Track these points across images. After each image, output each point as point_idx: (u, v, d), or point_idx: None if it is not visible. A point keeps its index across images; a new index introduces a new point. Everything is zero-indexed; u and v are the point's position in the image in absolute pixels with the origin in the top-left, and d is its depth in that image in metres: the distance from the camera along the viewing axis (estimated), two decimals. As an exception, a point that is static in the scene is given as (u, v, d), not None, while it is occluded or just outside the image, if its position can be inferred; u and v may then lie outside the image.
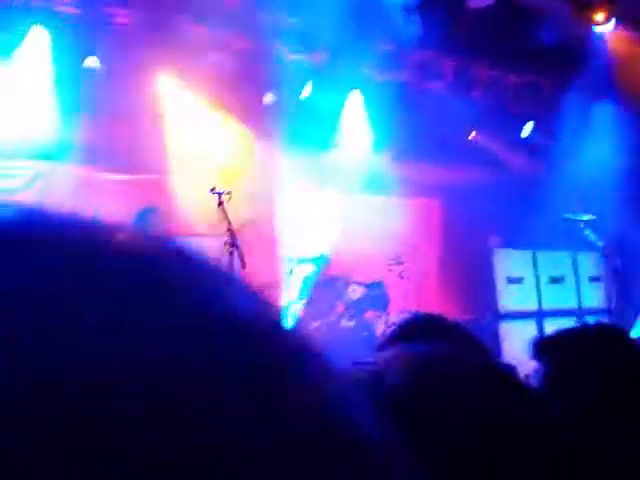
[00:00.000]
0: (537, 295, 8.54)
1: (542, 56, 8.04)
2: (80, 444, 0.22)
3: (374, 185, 7.84)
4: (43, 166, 6.08)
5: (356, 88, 7.72)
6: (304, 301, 6.79)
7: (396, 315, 6.70)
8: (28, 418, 0.22)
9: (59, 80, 6.08)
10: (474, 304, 8.21)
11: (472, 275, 8.26)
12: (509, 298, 8.35)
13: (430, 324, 1.42)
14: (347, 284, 6.92)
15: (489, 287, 8.41)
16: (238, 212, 5.29)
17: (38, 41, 5.98)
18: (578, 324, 6.33)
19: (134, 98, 6.32)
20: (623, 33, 8.14)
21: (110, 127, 5.91)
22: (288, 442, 0.25)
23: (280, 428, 0.25)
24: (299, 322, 6.69)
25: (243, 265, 5.07)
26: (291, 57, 7.14)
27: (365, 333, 6.48)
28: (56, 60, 6.06)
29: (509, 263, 8.63)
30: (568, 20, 7.95)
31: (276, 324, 0.30)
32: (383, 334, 1.50)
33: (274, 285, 6.83)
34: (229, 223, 4.97)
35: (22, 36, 5.95)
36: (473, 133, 8.45)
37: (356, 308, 6.83)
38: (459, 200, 8.06)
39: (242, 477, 0.23)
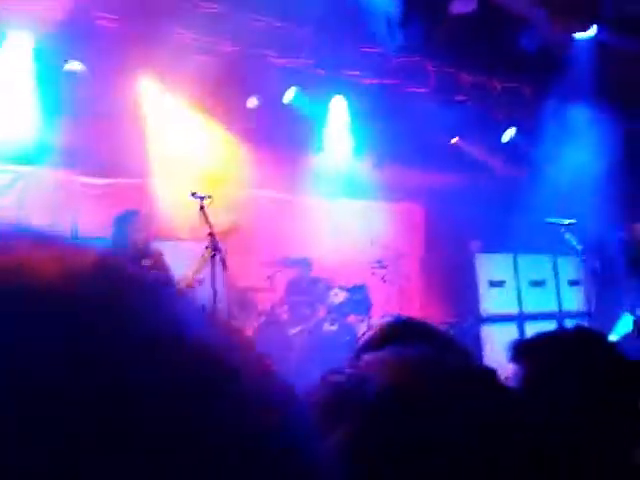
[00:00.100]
0: (518, 298, 8.60)
1: (523, 62, 8.11)
2: None
3: (357, 189, 7.86)
4: (23, 169, 6.03)
5: (339, 93, 7.74)
6: (286, 305, 6.77)
7: (378, 319, 6.71)
8: None
9: (41, 83, 6.03)
10: (456, 307, 8.25)
11: (454, 279, 8.31)
12: (490, 301, 8.40)
13: (410, 328, 1.42)
14: (329, 288, 6.91)
15: (471, 290, 8.46)
16: (220, 216, 5.27)
17: (20, 44, 5.93)
18: (557, 327, 6.39)
19: (116, 101, 6.28)
20: (603, 39, 8.23)
21: (91, 130, 5.87)
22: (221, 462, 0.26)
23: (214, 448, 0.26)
24: (281, 326, 6.68)
25: (225, 269, 5.05)
26: (274, 61, 7.15)
27: (347, 337, 6.47)
28: (38, 63, 6.01)
29: (491, 267, 8.68)
30: (549, 27, 8.02)
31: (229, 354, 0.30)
32: (361, 337, 1.49)
33: (256, 289, 6.82)
34: (210, 227, 4.96)
35: (3, 39, 5.90)
36: (455, 138, 8.50)
37: (338, 312, 6.82)
38: (441, 204, 8.10)
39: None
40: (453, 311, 8.19)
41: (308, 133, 7.61)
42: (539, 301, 8.62)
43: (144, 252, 4.87)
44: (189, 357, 0.28)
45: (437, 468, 0.57)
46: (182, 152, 6.52)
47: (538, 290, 8.74)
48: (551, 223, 6.68)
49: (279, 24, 6.93)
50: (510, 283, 8.64)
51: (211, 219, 5.00)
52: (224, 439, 0.27)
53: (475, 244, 8.58)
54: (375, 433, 0.59)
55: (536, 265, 8.76)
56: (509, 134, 8.78)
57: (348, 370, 0.68)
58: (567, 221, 6.59)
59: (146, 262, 4.84)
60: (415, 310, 7.60)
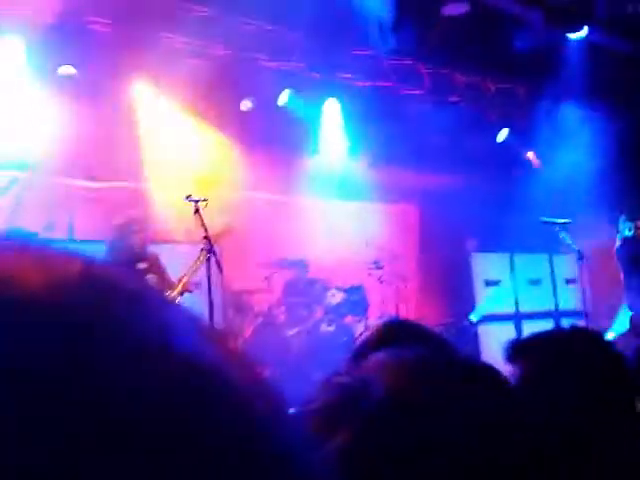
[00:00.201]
0: (515, 298, 8.62)
1: (517, 63, 8.13)
2: None
3: (352, 191, 7.87)
4: (18, 174, 6.02)
5: (333, 95, 7.75)
6: (283, 307, 6.77)
7: (375, 320, 6.72)
8: None
9: (34, 87, 6.02)
10: (453, 307, 8.27)
11: (450, 278, 8.32)
12: (487, 301, 8.42)
13: (405, 330, 1.43)
14: (326, 289, 6.92)
15: (467, 290, 8.48)
16: (215, 219, 5.27)
17: (13, 48, 5.92)
18: (554, 326, 6.40)
19: (110, 105, 6.28)
20: (595, 39, 8.26)
21: (86, 134, 5.86)
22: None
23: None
24: (278, 327, 6.68)
25: (221, 271, 5.05)
26: (268, 64, 7.15)
27: (345, 338, 6.48)
28: (31, 67, 6.00)
29: (487, 266, 8.70)
30: (542, 27, 8.05)
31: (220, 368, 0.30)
32: (357, 340, 1.50)
33: (253, 291, 6.82)
34: (206, 230, 4.95)
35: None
36: (451, 138, 8.52)
37: (336, 313, 6.82)
38: (436, 205, 8.11)
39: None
40: (450, 311, 8.21)
41: (302, 135, 7.62)
42: (536, 300, 8.64)
43: (140, 255, 4.87)
44: (177, 367, 0.28)
45: (437, 468, 0.57)
46: (176, 155, 6.52)
47: (534, 289, 8.77)
48: (546, 222, 6.70)
49: (271, 27, 6.94)
50: (506, 282, 8.67)
51: (206, 222, 5.00)
52: (219, 441, 0.27)
53: (471, 244, 8.60)
54: (377, 435, 0.59)
55: (532, 264, 8.79)
56: (503, 134, 8.81)
57: (350, 373, 0.68)
58: (562, 220, 6.61)
59: (142, 265, 4.84)
60: (412, 310, 7.61)
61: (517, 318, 8.48)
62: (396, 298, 7.36)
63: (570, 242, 6.52)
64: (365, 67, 7.63)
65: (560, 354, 1.34)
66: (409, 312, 7.41)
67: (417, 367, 0.66)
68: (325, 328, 6.69)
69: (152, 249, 4.97)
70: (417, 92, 8.12)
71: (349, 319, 6.92)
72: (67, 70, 6.15)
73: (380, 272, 7.16)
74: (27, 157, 5.93)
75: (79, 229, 5.99)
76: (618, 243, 6.38)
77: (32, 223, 5.44)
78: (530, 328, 7.61)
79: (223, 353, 0.31)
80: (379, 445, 0.58)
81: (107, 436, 0.25)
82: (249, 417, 0.28)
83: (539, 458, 0.60)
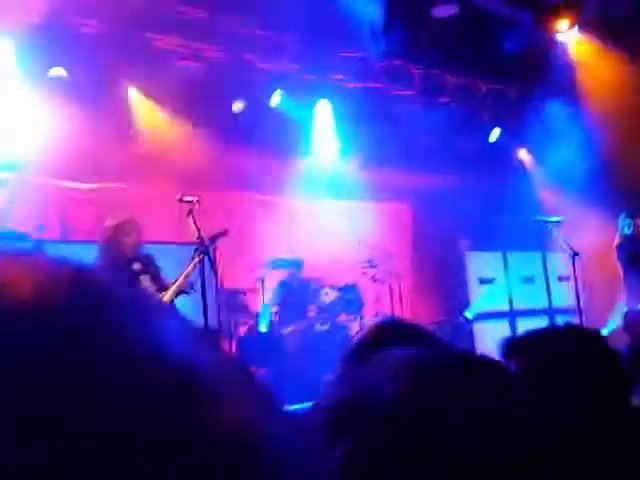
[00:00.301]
0: (509, 295, 8.64)
1: (507, 63, 8.17)
2: None
3: (344, 190, 7.89)
4: (8, 175, 5.99)
5: (325, 96, 7.76)
6: (278, 306, 6.78)
7: (370, 318, 6.73)
8: None
9: (24, 89, 6.00)
10: (447, 305, 8.29)
11: (444, 277, 8.34)
12: (481, 299, 8.45)
13: (399, 329, 1.43)
14: (320, 288, 6.93)
15: (461, 288, 8.50)
16: (209, 220, 5.27)
17: (3, 50, 5.89)
18: (548, 324, 6.42)
19: (101, 107, 6.26)
20: (586, 39, 8.30)
21: (77, 136, 5.84)
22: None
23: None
24: (273, 326, 6.68)
25: (214, 272, 5.05)
26: (259, 66, 7.15)
27: (339, 337, 6.48)
28: (21, 69, 5.98)
29: (480, 264, 8.73)
30: (532, 28, 8.08)
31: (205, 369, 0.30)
32: (351, 340, 1.50)
33: (247, 291, 6.81)
34: (199, 231, 4.95)
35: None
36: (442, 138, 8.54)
37: (330, 312, 6.83)
38: (430, 204, 8.14)
39: None
40: (444, 309, 8.23)
41: (294, 136, 7.63)
42: (529, 297, 8.68)
43: (134, 256, 4.86)
44: (168, 371, 0.28)
45: (438, 468, 0.57)
46: (169, 156, 6.50)
47: (528, 287, 8.80)
48: (539, 221, 6.72)
49: (264, 29, 6.94)
50: (500, 280, 8.70)
51: (199, 223, 5.00)
52: (214, 442, 0.28)
53: (464, 242, 8.62)
54: (386, 436, 0.59)
55: (526, 262, 8.82)
56: (495, 134, 8.84)
57: (347, 375, 0.68)
58: (555, 218, 6.64)
59: (136, 266, 4.83)
60: (406, 309, 7.62)
61: (511, 315, 8.51)
62: (390, 296, 7.37)
63: (563, 240, 6.54)
64: (356, 68, 7.65)
65: (554, 352, 1.34)
66: (403, 310, 7.42)
67: (424, 367, 0.66)
68: (319, 327, 6.70)
69: (146, 250, 4.96)
70: (408, 93, 8.15)
71: (343, 318, 6.93)
72: (57, 72, 6.13)
73: (374, 271, 7.18)
74: (17, 159, 5.91)
75: (71, 230, 5.97)
76: (618, 241, 6.41)
77: (23, 224, 5.42)
78: (524, 325, 7.64)
79: (214, 357, 0.31)
80: (388, 445, 0.58)
81: (105, 437, 0.25)
82: (241, 418, 0.29)
83: (539, 458, 0.60)
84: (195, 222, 4.98)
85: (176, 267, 4.95)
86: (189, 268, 4.88)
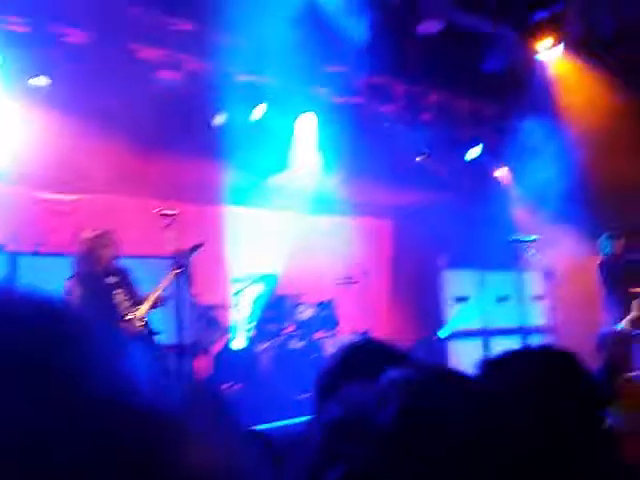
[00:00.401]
0: (483, 314, 8.69)
1: (489, 81, 8.25)
2: None
3: (325, 205, 7.89)
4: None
5: (308, 110, 7.77)
6: (253, 322, 6.74)
7: (346, 335, 6.73)
8: None
9: (5, 98, 5.95)
10: (423, 323, 8.31)
11: (422, 295, 8.37)
12: (456, 317, 8.48)
13: (372, 351, 1.44)
14: (297, 304, 6.90)
15: (438, 307, 8.53)
16: (186, 233, 5.25)
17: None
18: (523, 344, 6.46)
19: (83, 117, 6.22)
20: (567, 58, 8.41)
21: (57, 147, 5.80)
22: None
23: None
24: (248, 343, 6.65)
25: (190, 286, 5.03)
26: (243, 78, 7.15)
27: (315, 354, 6.46)
28: (3, 77, 5.93)
29: (457, 283, 8.77)
30: (514, 46, 8.18)
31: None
32: (325, 360, 1.50)
33: (223, 306, 6.78)
34: (176, 244, 4.94)
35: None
36: (422, 155, 8.59)
37: (306, 328, 6.81)
38: (409, 221, 8.18)
39: None
40: (420, 327, 8.25)
41: (277, 149, 7.62)
42: (503, 316, 8.72)
43: (109, 269, 4.82)
44: (135, 416, 0.28)
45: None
46: (148, 168, 6.47)
47: (502, 306, 8.85)
48: (515, 240, 6.78)
49: (248, 41, 6.94)
50: (476, 299, 8.74)
51: (177, 236, 4.98)
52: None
53: (442, 260, 8.66)
54: (379, 460, 0.60)
55: (501, 281, 8.87)
56: (474, 152, 8.91)
57: (349, 396, 0.68)
58: (530, 237, 6.70)
59: (111, 280, 4.80)
60: (383, 326, 7.63)
61: (485, 334, 8.55)
62: (367, 313, 7.38)
63: (538, 259, 6.60)
64: (341, 83, 7.67)
65: (529, 374, 1.35)
66: (380, 327, 7.43)
67: (417, 388, 0.67)
68: (295, 344, 6.67)
69: (122, 263, 4.93)
70: (391, 109, 8.19)
71: (319, 335, 6.91)
72: (40, 81, 6.09)
73: (351, 287, 7.18)
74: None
75: (47, 242, 5.91)
76: (599, 260, 6.48)
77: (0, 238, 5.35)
78: (498, 344, 7.70)
79: (182, 392, 0.31)
80: (386, 467, 0.59)
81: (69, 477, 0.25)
82: (207, 458, 0.29)
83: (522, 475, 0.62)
84: (173, 235, 4.97)
85: (154, 281, 4.93)
86: (164, 282, 4.86)
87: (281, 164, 7.78)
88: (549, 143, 8.49)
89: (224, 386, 5.69)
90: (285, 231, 7.43)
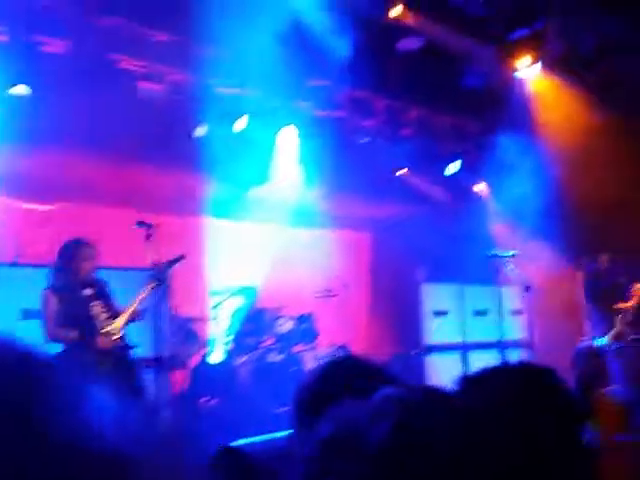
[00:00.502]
0: (462, 328, 8.72)
1: (469, 98, 8.35)
2: None
3: (305, 218, 7.91)
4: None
5: (289, 123, 7.80)
6: (232, 335, 6.71)
7: (324, 348, 6.72)
8: None
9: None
10: (402, 337, 8.33)
11: (400, 308, 8.40)
12: (435, 331, 8.51)
13: (350, 368, 1.44)
14: (276, 317, 6.89)
15: (417, 320, 8.55)
16: (166, 245, 5.22)
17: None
18: (501, 358, 6.50)
19: (63, 127, 6.18)
20: (545, 76, 8.54)
21: (37, 156, 5.75)
22: None
23: None
24: (227, 356, 6.61)
25: (169, 299, 4.99)
26: (224, 91, 7.16)
27: (294, 367, 6.44)
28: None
29: (436, 297, 8.80)
30: (494, 63, 8.29)
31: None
32: (304, 376, 1.50)
33: (202, 318, 6.74)
34: (156, 256, 4.90)
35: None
36: (402, 170, 8.66)
37: (285, 341, 6.79)
38: (389, 234, 8.22)
39: None
40: (399, 341, 8.27)
41: (259, 162, 7.63)
42: (482, 331, 8.77)
43: (87, 281, 4.78)
44: (94, 464, 0.29)
45: None
46: (128, 180, 6.44)
47: (481, 320, 8.90)
48: (494, 255, 6.83)
49: (230, 54, 6.96)
50: (455, 313, 8.78)
51: (156, 248, 4.95)
52: None
53: (421, 274, 8.70)
54: (383, 470, 0.60)
55: (480, 295, 8.92)
56: (453, 167, 9.00)
57: (339, 413, 0.69)
58: (509, 252, 6.76)
59: (88, 292, 4.75)
60: (361, 339, 7.64)
61: (463, 349, 8.58)
62: (347, 327, 7.38)
63: (516, 274, 6.66)
64: (322, 97, 7.72)
65: (507, 391, 1.36)
66: (359, 341, 7.44)
67: (408, 406, 0.67)
68: (274, 357, 6.65)
69: (100, 275, 4.88)
70: (372, 123, 8.25)
71: (299, 347, 6.90)
72: (20, 90, 6.04)
73: (331, 300, 7.19)
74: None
75: (24, 253, 5.84)
76: (583, 277, 6.57)
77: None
78: (476, 359, 7.73)
79: (143, 437, 0.32)
80: (385, 479, 0.59)
81: None
82: None
83: None
84: (152, 247, 4.93)
85: (132, 293, 4.89)
86: (142, 294, 4.82)
87: (262, 177, 7.79)
88: (527, 159, 8.59)
89: (202, 400, 5.64)
90: (265, 243, 7.43)
